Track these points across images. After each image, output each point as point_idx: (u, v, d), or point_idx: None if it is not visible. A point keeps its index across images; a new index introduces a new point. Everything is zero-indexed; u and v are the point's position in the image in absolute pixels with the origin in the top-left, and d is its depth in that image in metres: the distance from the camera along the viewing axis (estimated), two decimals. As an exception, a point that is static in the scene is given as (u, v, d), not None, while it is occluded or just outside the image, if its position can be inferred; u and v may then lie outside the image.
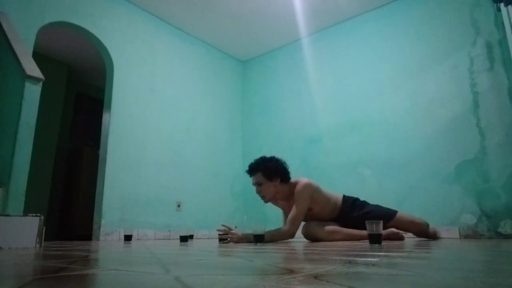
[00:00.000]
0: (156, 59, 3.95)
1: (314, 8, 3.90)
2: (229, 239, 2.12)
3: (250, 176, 2.43)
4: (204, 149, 4.23)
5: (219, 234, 2.19)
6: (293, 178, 2.47)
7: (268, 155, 4.28)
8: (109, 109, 3.40)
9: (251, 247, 1.71)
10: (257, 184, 2.37)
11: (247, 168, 2.45)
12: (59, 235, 4.43)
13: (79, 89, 5.27)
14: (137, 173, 3.49)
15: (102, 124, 3.46)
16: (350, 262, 0.89)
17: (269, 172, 2.33)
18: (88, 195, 3.97)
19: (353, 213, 2.46)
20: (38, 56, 3.38)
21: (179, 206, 3.81)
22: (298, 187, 2.35)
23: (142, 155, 3.57)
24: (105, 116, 3.46)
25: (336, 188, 3.76)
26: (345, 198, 2.57)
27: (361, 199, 3.66)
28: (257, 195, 2.45)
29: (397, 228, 2.33)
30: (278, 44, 4.66)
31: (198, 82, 4.39)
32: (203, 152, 4.21)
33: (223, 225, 2.20)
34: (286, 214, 2.54)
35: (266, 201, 2.45)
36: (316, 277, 0.61)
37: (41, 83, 2.21)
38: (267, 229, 2.14)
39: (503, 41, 2.95)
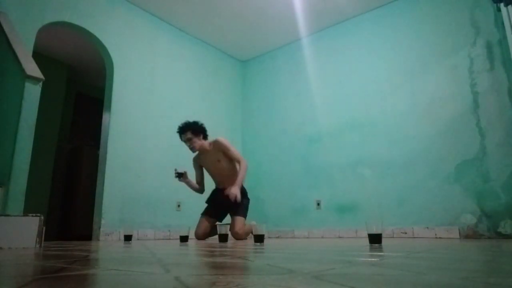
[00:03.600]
0: (156, 59, 3.95)
1: (314, 8, 3.90)
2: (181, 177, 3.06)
3: (181, 136, 3.07)
4: (204, 149, 4.22)
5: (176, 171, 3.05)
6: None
7: (266, 154, 4.41)
8: (109, 109, 3.40)
9: (251, 247, 1.71)
10: (188, 139, 3.03)
11: (178, 129, 3.07)
12: (59, 235, 4.43)
13: (79, 89, 5.27)
14: (137, 173, 3.49)
15: (102, 124, 3.46)
16: (350, 262, 0.89)
17: (195, 130, 3.05)
18: (88, 195, 3.97)
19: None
20: (38, 56, 3.37)
21: (179, 206, 3.81)
22: (221, 141, 3.07)
23: (142, 155, 3.57)
24: (105, 116, 3.46)
25: (336, 188, 3.78)
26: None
27: (361, 199, 3.67)
28: (188, 147, 3.10)
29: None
30: (278, 44, 4.66)
31: (198, 82, 4.39)
32: (203, 152, 4.21)
33: (176, 168, 3.07)
34: (211, 171, 3.21)
35: (194, 151, 3.11)
36: (316, 277, 0.61)
37: (41, 83, 2.21)
38: (266, 229, 2.21)
39: (503, 41, 2.95)
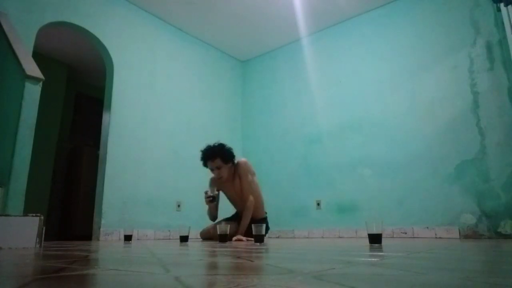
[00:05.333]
0: (156, 59, 3.95)
1: (314, 8, 3.90)
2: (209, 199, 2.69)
3: (207, 162, 2.72)
4: (204, 149, 4.22)
5: (208, 195, 2.69)
6: None
7: (266, 154, 4.31)
8: (109, 109, 3.40)
9: (251, 247, 1.70)
10: (217, 168, 2.70)
11: (205, 155, 2.72)
12: (59, 235, 4.43)
13: (79, 89, 5.27)
14: (137, 173, 3.49)
15: (102, 124, 3.46)
16: (350, 262, 0.89)
17: (225, 157, 2.70)
18: (88, 195, 3.97)
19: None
20: (38, 56, 3.38)
21: (179, 206, 3.81)
22: (241, 165, 2.74)
23: (142, 155, 3.57)
24: (105, 116, 3.46)
25: (336, 188, 3.78)
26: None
27: (361, 199, 3.67)
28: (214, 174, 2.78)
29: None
30: (278, 44, 4.66)
31: (198, 82, 4.39)
32: (203, 152, 4.21)
33: (206, 191, 2.71)
34: (229, 194, 2.91)
35: (223, 181, 2.77)
36: (316, 277, 0.61)
37: (41, 83, 2.21)
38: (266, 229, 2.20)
39: (503, 41, 2.95)
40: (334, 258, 1.00)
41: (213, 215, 2.85)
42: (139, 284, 0.57)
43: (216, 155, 2.67)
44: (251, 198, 2.68)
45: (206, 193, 2.71)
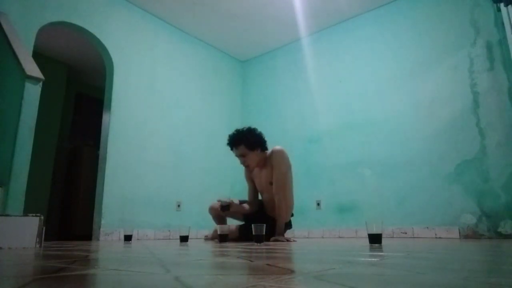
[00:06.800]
0: (156, 59, 3.95)
1: (314, 8, 3.89)
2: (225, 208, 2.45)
3: (232, 149, 2.53)
4: (204, 149, 4.23)
5: (220, 204, 2.47)
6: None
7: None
8: (109, 109, 3.40)
9: (251, 247, 1.70)
10: (241, 155, 2.48)
11: (228, 141, 2.52)
12: (59, 235, 4.43)
13: (79, 89, 5.27)
14: (137, 173, 3.49)
15: (102, 124, 3.46)
16: (350, 262, 0.89)
17: (251, 143, 2.47)
18: (88, 195, 3.97)
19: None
20: (38, 56, 3.37)
21: (179, 206, 3.81)
22: (276, 153, 2.45)
23: (142, 155, 3.57)
24: (105, 116, 3.46)
25: (336, 188, 3.78)
26: None
27: (361, 199, 3.66)
28: (241, 164, 2.61)
29: None
30: (278, 44, 4.66)
31: (198, 82, 4.39)
32: (203, 152, 4.22)
33: (219, 200, 2.49)
34: (259, 184, 2.64)
35: (251, 170, 2.56)
36: (316, 277, 0.61)
37: (41, 83, 2.21)
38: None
39: (503, 41, 2.95)
40: (334, 258, 1.00)
41: (245, 211, 2.59)
42: (139, 284, 0.57)
43: (241, 142, 2.43)
44: (280, 195, 2.38)
45: (219, 201, 2.49)
